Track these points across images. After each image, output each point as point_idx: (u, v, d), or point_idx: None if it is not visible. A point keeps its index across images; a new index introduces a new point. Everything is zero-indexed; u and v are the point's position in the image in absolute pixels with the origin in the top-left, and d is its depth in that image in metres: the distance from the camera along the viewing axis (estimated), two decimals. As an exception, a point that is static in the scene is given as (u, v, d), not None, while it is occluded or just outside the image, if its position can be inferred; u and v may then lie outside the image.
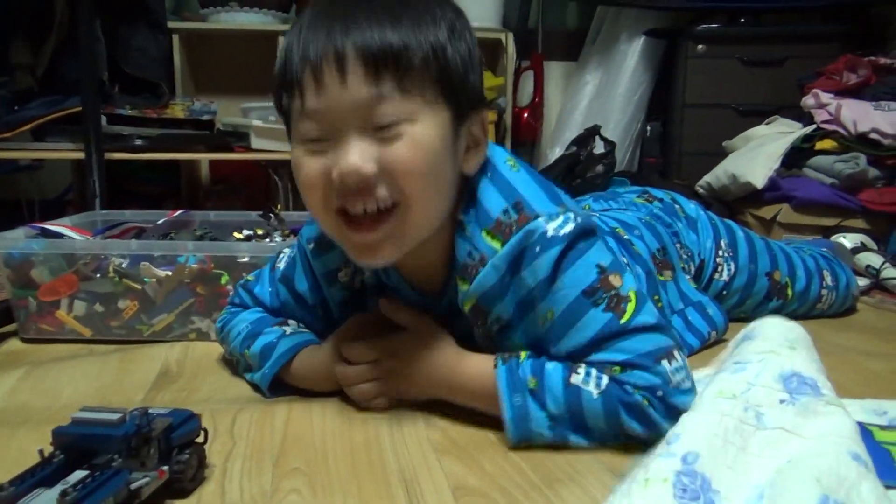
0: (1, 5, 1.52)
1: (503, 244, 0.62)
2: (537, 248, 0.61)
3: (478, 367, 0.65)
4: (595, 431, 0.60)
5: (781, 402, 0.52)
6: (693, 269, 0.97)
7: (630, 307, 0.61)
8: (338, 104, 0.57)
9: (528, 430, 0.60)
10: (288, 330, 0.76)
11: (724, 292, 1.00)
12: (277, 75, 0.62)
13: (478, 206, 0.64)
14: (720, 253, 0.99)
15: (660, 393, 0.58)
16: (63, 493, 0.44)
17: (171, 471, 0.51)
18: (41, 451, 0.49)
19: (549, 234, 0.61)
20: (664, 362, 0.59)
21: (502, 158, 0.68)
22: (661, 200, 1.02)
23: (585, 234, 0.62)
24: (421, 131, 0.58)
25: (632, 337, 0.60)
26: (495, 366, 0.63)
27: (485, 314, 0.66)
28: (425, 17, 0.59)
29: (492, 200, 0.64)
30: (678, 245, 0.95)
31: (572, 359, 0.62)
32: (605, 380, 0.59)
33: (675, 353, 0.60)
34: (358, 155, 0.57)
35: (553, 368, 0.61)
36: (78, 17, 1.54)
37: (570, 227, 0.61)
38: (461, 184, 0.65)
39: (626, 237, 0.87)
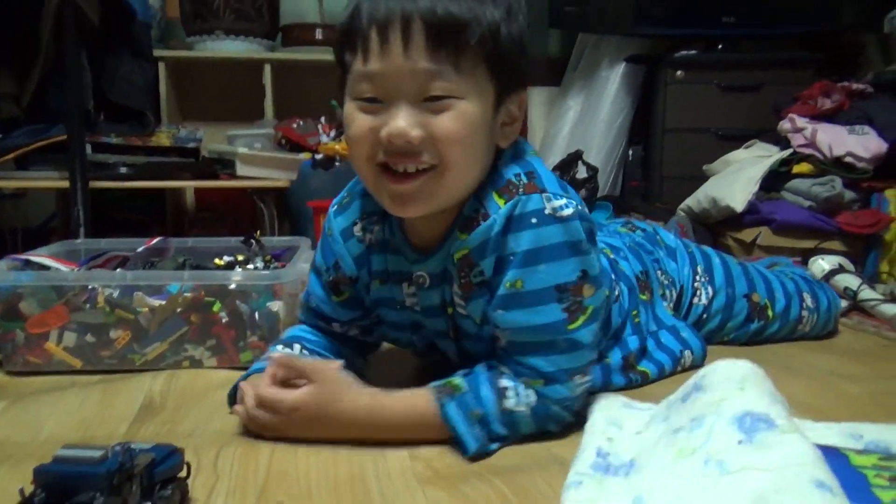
0: (-14, 36, 1.52)
1: (506, 203, 0.66)
2: (533, 220, 0.65)
3: (407, 404, 0.68)
4: (525, 434, 0.69)
5: (739, 443, 0.54)
6: (674, 296, 0.99)
7: (581, 318, 0.68)
8: (397, 71, 0.61)
9: (484, 452, 0.66)
10: (278, 349, 0.79)
11: (705, 315, 1.02)
12: (341, 31, 0.65)
13: (495, 171, 0.69)
14: (697, 278, 1.02)
15: (568, 403, 0.69)
16: (44, 533, 0.43)
17: (153, 508, 0.51)
18: (21, 491, 0.49)
19: (547, 211, 0.65)
20: (577, 377, 0.69)
21: (528, 148, 0.74)
22: (643, 230, 1.06)
23: (591, 236, 0.69)
24: (467, 107, 0.63)
25: (563, 350, 0.67)
26: (440, 403, 0.66)
27: (471, 267, 0.69)
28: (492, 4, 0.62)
29: (508, 166, 0.69)
30: (659, 272, 0.98)
31: (510, 342, 0.68)
32: (531, 397, 0.67)
33: (587, 369, 0.71)
34: (407, 121, 0.62)
35: (486, 394, 0.67)
36: (64, 47, 1.55)
37: (569, 210, 0.66)
38: (493, 155, 0.70)
39: (612, 257, 0.91)
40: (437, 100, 0.62)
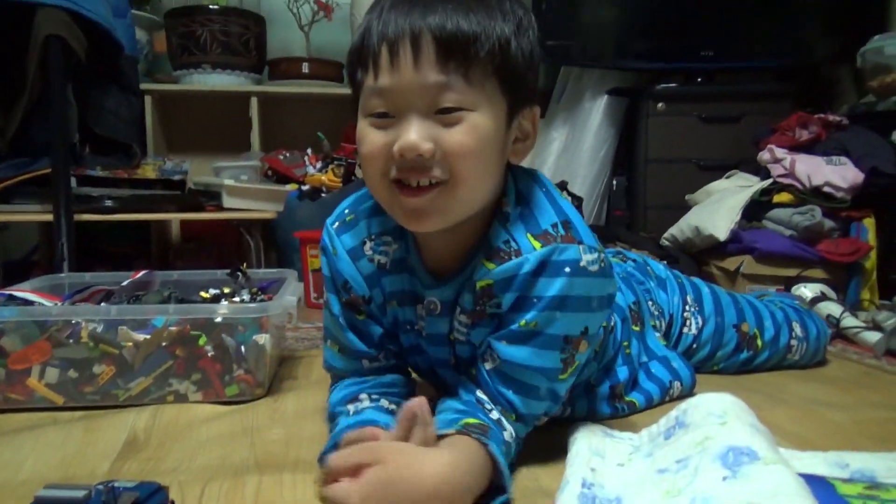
0: (-28, 70, 1.53)
1: (542, 247, 0.66)
2: (567, 269, 0.65)
3: (468, 451, 0.62)
4: None
5: (724, 479, 0.54)
6: (664, 326, 1.00)
7: (570, 371, 0.69)
8: (408, 85, 0.61)
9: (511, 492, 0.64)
10: (351, 409, 0.74)
11: (694, 345, 1.03)
12: (353, 51, 0.66)
13: (530, 213, 0.69)
14: (687, 308, 1.03)
15: (524, 436, 0.71)
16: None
17: (136, 548, 0.50)
18: None
19: (582, 263, 0.66)
20: (538, 419, 0.72)
21: (552, 185, 0.73)
22: (633, 261, 1.07)
23: (609, 299, 0.70)
24: (478, 120, 0.63)
25: (541, 397, 0.69)
26: (483, 442, 0.62)
27: (490, 297, 0.69)
28: (496, 11, 0.63)
29: (545, 213, 0.69)
30: (650, 302, 0.99)
31: (499, 371, 0.68)
32: (513, 431, 0.68)
33: (551, 412, 0.73)
34: (419, 134, 0.61)
35: (498, 429, 0.66)
36: (50, 80, 1.56)
37: (596, 267, 0.67)
38: (505, 172, 0.70)
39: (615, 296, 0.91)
40: (449, 112, 0.62)
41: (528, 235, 0.68)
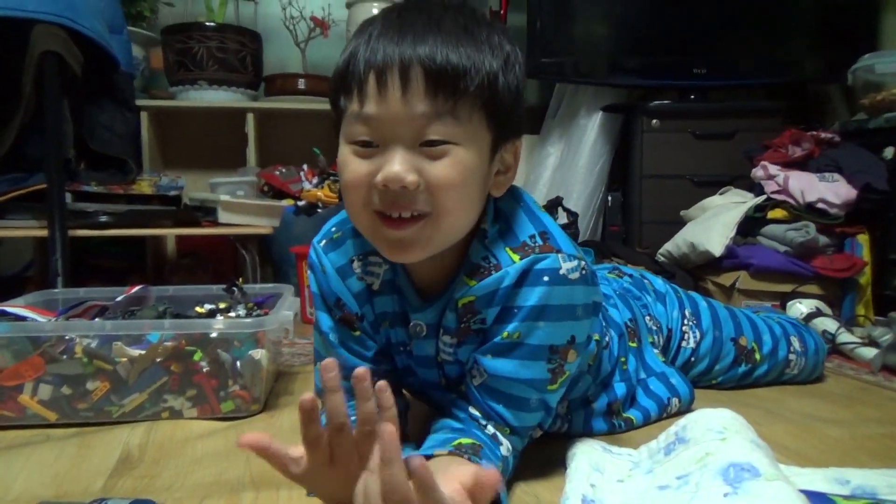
0: (-32, 86, 1.53)
1: (521, 259, 0.66)
2: (545, 278, 0.65)
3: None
4: None
5: (726, 495, 0.54)
6: (662, 340, 1.00)
7: (559, 381, 0.70)
8: (395, 115, 0.60)
9: None
10: None
11: (693, 359, 1.03)
12: (338, 76, 0.65)
13: (508, 229, 0.69)
14: (685, 321, 1.03)
15: (521, 448, 0.72)
16: None
17: (131, 567, 0.50)
18: None
19: (561, 271, 0.66)
20: (532, 432, 0.73)
21: (532, 200, 0.74)
22: (630, 276, 1.07)
23: (595, 307, 0.71)
24: (463, 154, 0.62)
25: (532, 409, 0.69)
26: (478, 465, 0.61)
27: (473, 314, 0.69)
28: (485, 46, 0.63)
29: (522, 226, 0.69)
30: (648, 317, 0.99)
31: (487, 386, 0.68)
32: (509, 444, 0.69)
33: (545, 424, 0.75)
34: (404, 166, 0.60)
35: (491, 444, 0.66)
36: (45, 96, 1.56)
37: (576, 275, 0.67)
38: (486, 201, 0.70)
39: (602, 304, 0.90)
40: (434, 144, 0.61)
41: (507, 249, 0.68)
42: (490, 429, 0.68)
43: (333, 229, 0.78)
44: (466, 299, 0.69)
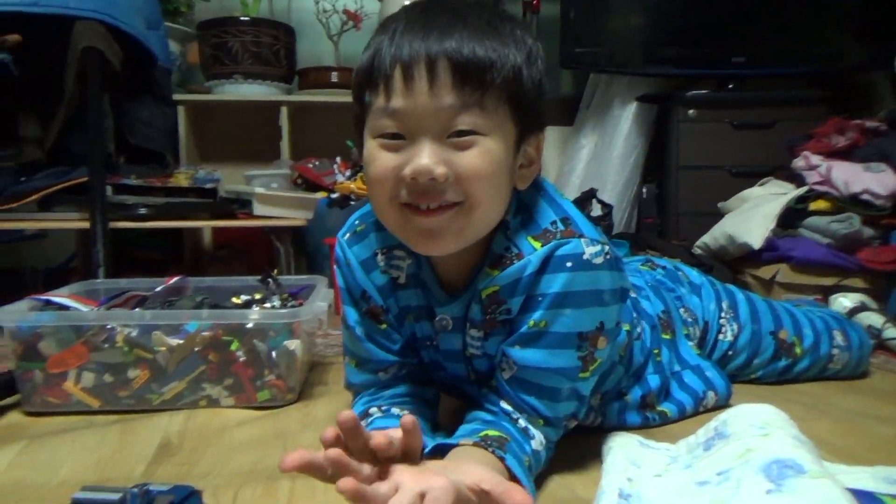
0: (12, 82, 1.57)
1: (542, 246, 0.66)
2: (568, 263, 0.65)
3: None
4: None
5: (768, 492, 0.53)
6: (698, 333, 0.98)
7: (591, 369, 0.69)
8: (423, 107, 0.60)
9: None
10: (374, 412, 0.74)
11: (730, 352, 1.01)
12: (362, 71, 0.65)
13: (529, 218, 0.69)
14: (722, 314, 1.01)
15: (557, 439, 0.71)
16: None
17: (171, 551, 0.51)
18: None
19: (585, 256, 0.65)
20: (566, 422, 0.71)
21: (553, 188, 0.74)
22: (664, 268, 1.05)
23: (622, 293, 0.70)
24: (490, 144, 0.62)
25: (565, 398, 0.69)
26: (500, 456, 0.61)
27: (498, 304, 0.68)
28: (509, 40, 0.63)
29: (543, 214, 0.69)
30: (682, 309, 0.97)
31: (517, 378, 0.68)
32: (541, 437, 0.68)
33: (580, 414, 0.72)
34: (431, 158, 0.61)
35: (521, 438, 0.66)
36: (87, 92, 1.59)
37: (600, 259, 0.66)
38: (511, 196, 0.69)
39: (633, 296, 0.91)
40: (462, 135, 0.61)
41: (529, 238, 0.68)
42: (522, 422, 0.67)
43: (357, 222, 0.78)
44: (490, 290, 0.68)
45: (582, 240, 0.66)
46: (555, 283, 0.65)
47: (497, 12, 0.66)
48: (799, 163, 1.76)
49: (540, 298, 0.66)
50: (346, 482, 0.48)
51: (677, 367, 0.91)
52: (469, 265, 0.71)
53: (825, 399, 0.99)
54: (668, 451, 0.73)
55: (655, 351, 0.88)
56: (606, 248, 0.67)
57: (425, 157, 0.60)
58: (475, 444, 0.62)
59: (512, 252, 0.68)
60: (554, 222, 0.68)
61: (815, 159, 1.71)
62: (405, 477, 0.51)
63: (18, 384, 0.94)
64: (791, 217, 1.71)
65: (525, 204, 0.70)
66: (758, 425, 0.63)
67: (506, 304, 0.68)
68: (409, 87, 0.60)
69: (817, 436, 0.75)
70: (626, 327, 0.81)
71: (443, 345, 0.76)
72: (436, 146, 0.61)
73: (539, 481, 0.68)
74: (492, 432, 0.64)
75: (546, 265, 0.66)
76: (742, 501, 0.53)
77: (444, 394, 0.86)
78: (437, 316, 0.74)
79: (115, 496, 0.50)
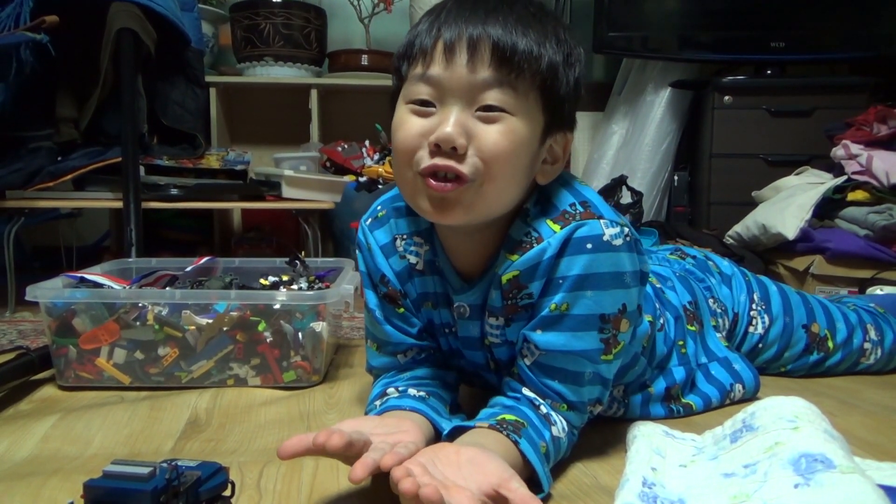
0: (50, 63, 1.59)
1: (562, 228, 0.66)
2: (588, 245, 0.65)
3: (497, 448, 0.61)
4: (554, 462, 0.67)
5: (796, 486, 0.52)
6: (727, 324, 0.97)
7: (614, 352, 0.68)
8: (458, 77, 0.63)
9: (549, 489, 0.63)
10: (378, 405, 0.74)
11: (760, 345, 1.00)
12: (405, 46, 0.67)
13: (548, 203, 0.69)
14: (753, 306, 0.99)
15: (581, 425, 0.71)
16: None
17: (197, 525, 0.52)
18: None
19: (605, 238, 0.65)
20: (592, 407, 0.71)
21: (574, 178, 0.74)
22: (693, 258, 1.04)
23: (643, 276, 0.69)
24: (516, 124, 0.63)
25: (588, 381, 0.68)
26: (514, 440, 0.62)
27: (519, 289, 0.68)
28: (551, 37, 0.65)
29: (561, 198, 0.69)
30: (711, 300, 0.96)
31: (539, 364, 0.67)
32: (564, 424, 0.68)
33: (603, 399, 0.71)
34: (457, 128, 0.62)
35: (540, 424, 0.65)
36: (121, 73, 1.61)
37: (620, 241, 0.66)
38: (531, 188, 0.69)
39: (658, 286, 0.89)
40: (490, 110, 0.62)
41: (548, 221, 0.67)
42: (543, 409, 0.67)
43: (379, 207, 0.79)
44: (511, 274, 0.68)
45: (601, 221, 0.66)
46: (575, 266, 0.65)
47: (544, 9, 0.67)
48: (838, 151, 1.71)
49: (560, 281, 0.65)
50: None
51: (704, 359, 0.90)
52: (484, 253, 0.71)
53: (857, 393, 0.97)
54: (694, 442, 0.72)
55: (680, 342, 0.87)
56: (626, 229, 0.67)
57: (450, 125, 0.62)
58: (490, 428, 0.63)
59: (532, 237, 0.67)
60: (573, 205, 0.68)
61: (855, 148, 1.66)
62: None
63: (53, 359, 0.96)
64: (827, 207, 1.67)
65: (545, 192, 0.70)
66: (787, 418, 0.62)
67: (526, 288, 0.68)
68: (449, 59, 0.63)
69: (849, 431, 0.74)
70: (648, 318, 0.80)
71: (461, 332, 0.76)
72: (462, 116, 0.63)
73: (562, 467, 0.68)
74: (509, 416, 0.65)
75: (565, 247, 0.65)
76: (769, 495, 0.52)
77: (466, 384, 0.86)
78: (455, 303, 0.74)
79: (145, 471, 0.51)
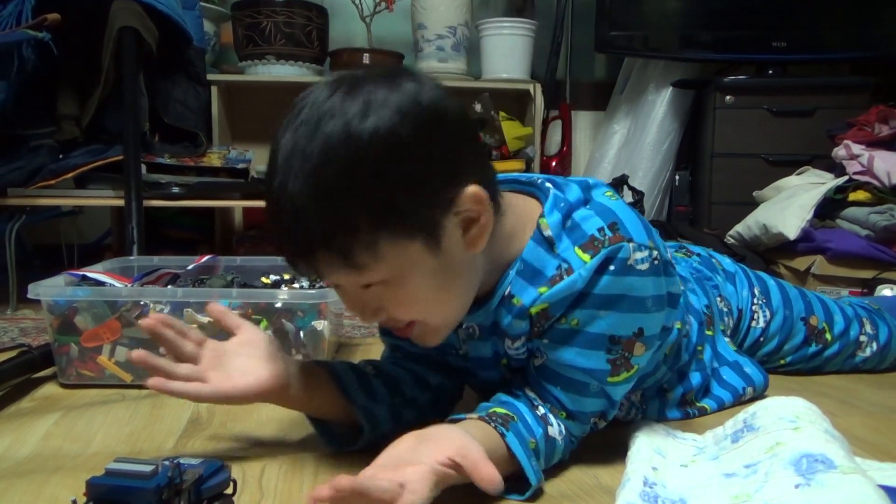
0: (52, 61, 1.59)
1: (592, 257, 0.63)
2: (611, 267, 0.63)
3: (479, 435, 0.62)
4: (553, 464, 0.67)
5: (797, 486, 0.52)
6: (732, 323, 0.97)
7: (623, 375, 0.66)
8: (332, 281, 0.63)
9: (537, 484, 0.62)
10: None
11: (762, 339, 1.00)
12: None
13: (574, 225, 0.65)
14: (755, 301, 1.00)
15: (581, 435, 0.69)
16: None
17: (199, 524, 0.52)
18: (74, 502, 0.50)
19: (629, 261, 0.63)
20: (595, 420, 0.69)
21: (601, 191, 0.69)
22: (698, 255, 1.03)
23: (671, 298, 0.68)
24: (399, 284, 0.60)
25: (592, 395, 0.67)
26: (501, 432, 0.62)
27: (548, 318, 0.65)
28: (345, 194, 0.56)
29: (589, 221, 0.65)
30: (719, 298, 0.96)
31: (545, 368, 0.67)
32: (562, 428, 0.67)
33: (609, 415, 0.70)
34: (367, 311, 0.64)
35: (533, 422, 0.65)
36: (123, 71, 1.61)
37: (646, 265, 0.64)
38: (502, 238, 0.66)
39: (682, 288, 0.87)
40: (369, 286, 0.61)
41: (576, 249, 0.64)
42: (541, 409, 0.67)
43: None
44: (540, 307, 0.65)
45: (630, 244, 0.63)
46: (595, 286, 0.63)
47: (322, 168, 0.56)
48: (840, 152, 1.71)
49: (580, 298, 0.64)
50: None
51: (716, 364, 0.89)
52: (495, 275, 0.68)
53: (857, 394, 0.97)
54: (695, 442, 0.72)
55: (699, 348, 0.86)
56: (655, 252, 0.65)
57: (361, 313, 0.64)
58: (479, 419, 0.63)
59: (561, 268, 0.64)
60: (601, 229, 0.64)
61: (857, 148, 1.66)
62: (386, 473, 0.53)
63: (54, 357, 0.96)
64: (829, 207, 1.67)
65: (568, 211, 0.66)
66: (788, 418, 0.62)
67: (554, 317, 0.66)
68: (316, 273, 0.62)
69: (849, 431, 0.74)
70: (677, 325, 0.78)
71: (473, 352, 0.74)
72: (361, 296, 0.62)
73: (563, 467, 0.68)
74: (500, 410, 0.65)
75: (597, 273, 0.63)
76: (770, 495, 0.53)
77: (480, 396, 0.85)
78: (464, 324, 0.72)
79: (147, 468, 0.51)
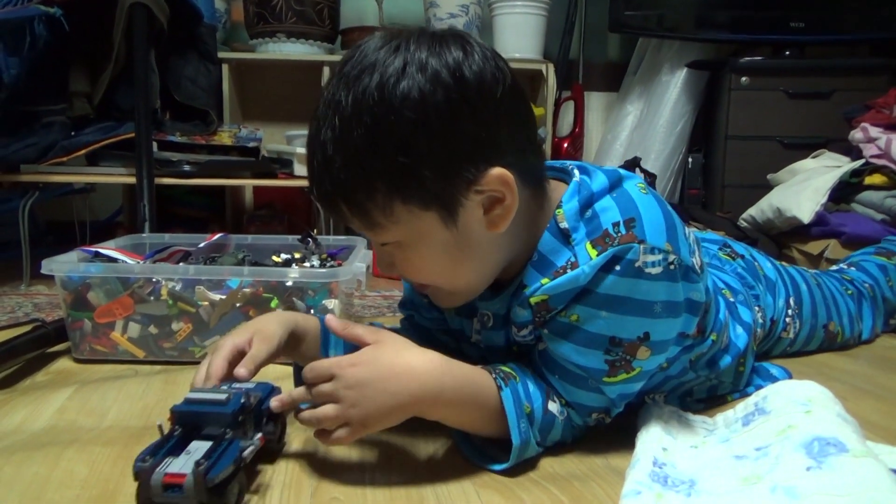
0: (63, 38, 1.59)
1: (599, 255, 0.61)
2: (617, 267, 0.61)
3: (471, 373, 0.63)
4: (553, 443, 0.67)
5: (808, 469, 0.51)
6: (763, 333, 0.95)
7: (622, 376, 0.65)
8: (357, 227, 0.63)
9: (523, 455, 0.63)
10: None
11: (789, 348, 1.02)
12: None
13: (594, 215, 0.63)
14: (789, 311, 0.99)
15: (580, 425, 0.68)
16: (197, 463, 0.51)
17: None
18: (160, 427, 0.58)
19: (637, 264, 0.60)
20: (594, 415, 0.68)
21: (633, 182, 0.66)
22: (742, 257, 0.99)
23: (688, 305, 0.66)
24: (411, 248, 0.62)
25: (590, 390, 0.66)
26: (498, 387, 0.62)
27: (548, 310, 0.65)
28: (368, 153, 0.57)
29: (609, 212, 0.63)
30: (757, 308, 0.92)
31: (547, 354, 0.66)
32: (563, 409, 0.67)
33: (611, 413, 0.68)
34: (381, 263, 0.67)
35: (534, 390, 0.65)
36: (134, 48, 1.61)
37: (657, 269, 0.61)
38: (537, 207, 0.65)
39: (731, 300, 0.86)
40: (385, 245, 0.64)
41: (588, 244, 0.62)
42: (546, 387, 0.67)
43: None
44: (540, 298, 0.64)
45: (641, 246, 0.60)
46: (598, 284, 0.61)
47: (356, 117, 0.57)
48: (857, 135, 1.69)
49: (581, 294, 0.62)
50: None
51: (759, 381, 0.86)
52: (515, 264, 0.68)
53: (870, 379, 0.96)
54: (705, 424, 0.72)
55: (741, 359, 0.82)
56: (672, 257, 0.62)
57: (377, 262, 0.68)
58: (483, 368, 0.64)
59: (569, 261, 0.63)
60: (616, 224, 0.61)
61: (874, 131, 1.64)
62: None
63: (68, 332, 0.97)
64: (844, 191, 1.65)
65: (589, 199, 0.64)
66: (800, 402, 0.62)
67: (555, 309, 0.65)
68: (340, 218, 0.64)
69: (861, 415, 0.73)
70: (713, 337, 0.75)
71: (486, 341, 0.74)
72: (378, 246, 0.65)
73: (572, 448, 0.68)
74: (506, 368, 0.65)
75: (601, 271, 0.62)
76: (781, 477, 0.52)
77: None
78: (479, 311, 0.72)
79: (223, 395, 0.58)
